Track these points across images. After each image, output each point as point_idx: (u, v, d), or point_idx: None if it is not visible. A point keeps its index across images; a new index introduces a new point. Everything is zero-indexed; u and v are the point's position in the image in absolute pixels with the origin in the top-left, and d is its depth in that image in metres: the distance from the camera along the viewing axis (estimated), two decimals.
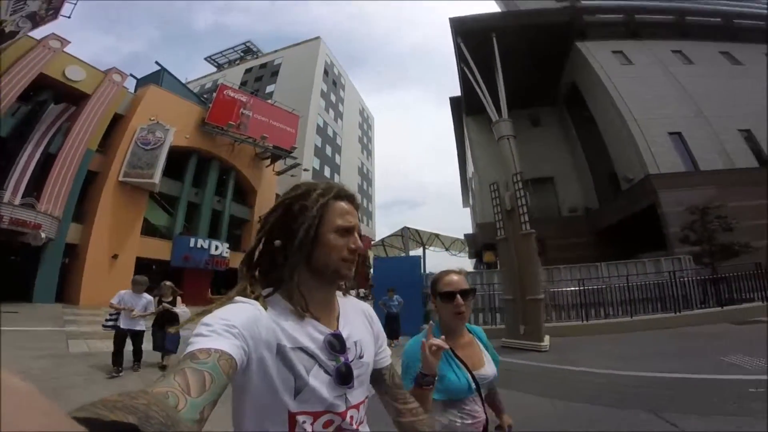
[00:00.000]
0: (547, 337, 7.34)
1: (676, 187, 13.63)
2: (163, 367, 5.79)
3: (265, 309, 0.75)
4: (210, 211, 21.44)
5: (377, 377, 0.94)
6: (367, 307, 1.01)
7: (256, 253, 0.83)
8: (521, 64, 19.78)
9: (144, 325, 5.81)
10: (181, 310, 5.93)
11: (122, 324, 5.50)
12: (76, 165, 15.77)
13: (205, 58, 43.18)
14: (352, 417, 0.79)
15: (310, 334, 0.78)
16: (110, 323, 5.63)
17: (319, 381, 0.75)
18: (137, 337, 5.69)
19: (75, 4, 14.89)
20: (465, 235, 24.04)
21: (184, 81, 43.89)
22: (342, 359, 0.80)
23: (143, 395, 0.39)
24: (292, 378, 0.72)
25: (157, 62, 24.01)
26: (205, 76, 42.86)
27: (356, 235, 0.85)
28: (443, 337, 1.18)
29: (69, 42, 16.53)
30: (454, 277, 1.38)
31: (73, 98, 16.65)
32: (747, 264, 9.50)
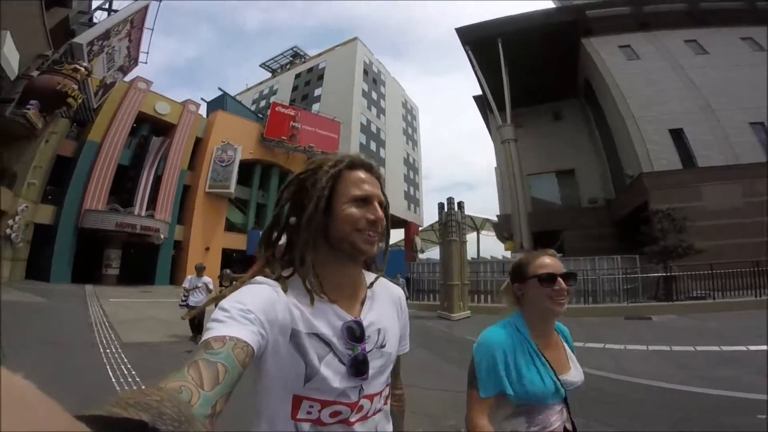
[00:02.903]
0: (466, 313, 10.64)
1: (665, 186, 14.74)
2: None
3: (288, 290, 0.74)
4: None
5: None
6: (399, 292, 0.96)
7: (274, 232, 0.82)
8: (535, 62, 21.33)
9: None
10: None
11: (190, 302, 6.93)
12: (175, 182, 21.28)
13: (260, 65, 48.58)
14: (362, 407, 0.76)
15: (328, 320, 0.75)
16: (184, 302, 7.09)
17: (331, 370, 0.72)
18: (201, 313, 7.59)
19: (147, 53, 19.91)
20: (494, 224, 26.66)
21: (245, 86, 50.24)
22: (359, 348, 0.76)
23: (156, 391, 0.41)
24: (303, 365, 0.71)
25: (220, 88, 29.30)
26: (262, 82, 48.49)
27: (376, 204, 0.80)
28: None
29: (152, 82, 21.60)
30: (548, 260, 1.18)
31: (164, 128, 21.92)
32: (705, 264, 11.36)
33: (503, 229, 22.91)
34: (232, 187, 22.39)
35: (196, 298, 6.89)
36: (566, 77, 22.34)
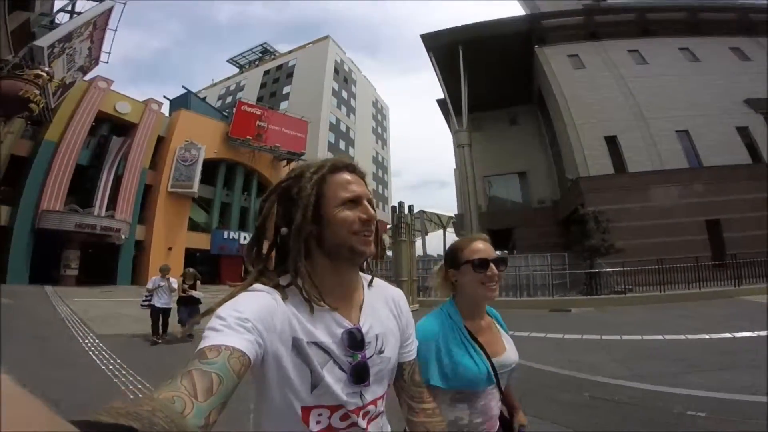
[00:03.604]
0: (414, 306, 11.95)
1: (598, 190, 16.37)
2: (189, 336, 6.97)
3: (284, 299, 0.74)
4: (239, 208, 27.11)
5: (396, 371, 0.90)
6: (397, 294, 0.96)
7: (261, 243, 0.82)
8: (494, 69, 22.86)
9: (170, 304, 7.04)
10: (197, 293, 7.33)
11: (155, 303, 6.96)
12: (136, 182, 21.57)
13: (228, 60, 48.60)
14: (367, 413, 0.78)
15: (327, 328, 0.76)
16: (146, 303, 7.11)
17: (333, 378, 0.73)
18: (165, 313, 7.02)
19: (109, 53, 20.06)
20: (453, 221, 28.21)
21: (211, 82, 49.96)
22: (360, 356, 0.77)
23: (149, 401, 0.41)
24: (309, 372, 0.72)
25: (183, 86, 29.58)
26: (229, 78, 48.39)
27: (366, 203, 0.81)
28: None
29: (113, 81, 21.75)
30: (481, 245, 1.21)
31: (125, 127, 22.15)
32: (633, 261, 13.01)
33: (459, 227, 24.43)
34: (196, 187, 22.87)
35: (161, 299, 6.98)
36: (522, 84, 23.98)
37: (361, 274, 0.90)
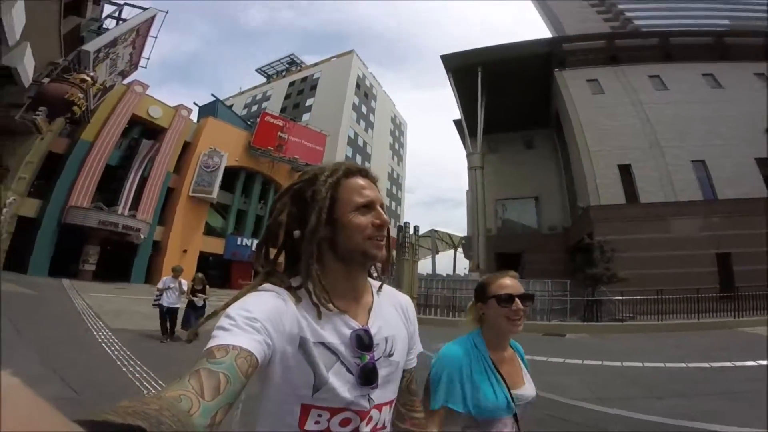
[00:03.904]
0: None
1: (608, 219, 16.39)
2: (190, 341, 9.30)
3: (296, 300, 0.76)
4: (255, 216, 28.06)
5: None
6: (405, 300, 0.99)
7: (271, 244, 0.83)
8: (512, 91, 23.29)
9: (178, 303, 7.31)
10: (197, 299, 7.53)
11: (164, 302, 7.18)
12: (160, 184, 22.78)
13: (256, 70, 50.87)
14: (372, 418, 0.78)
15: (336, 329, 0.77)
16: (157, 301, 7.31)
17: (340, 379, 0.74)
18: (173, 313, 7.30)
19: (148, 59, 21.43)
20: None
21: (239, 90, 52.02)
22: (368, 357, 0.78)
23: (156, 400, 0.42)
24: (312, 374, 0.72)
25: (212, 94, 31.12)
26: (256, 87, 50.49)
27: (379, 208, 0.83)
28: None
29: (148, 86, 23.17)
30: (509, 281, 1.32)
31: (155, 131, 23.49)
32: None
33: (468, 249, 24.57)
34: (215, 193, 23.96)
35: (169, 299, 7.20)
36: (539, 108, 24.31)
37: (370, 280, 0.92)
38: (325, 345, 0.75)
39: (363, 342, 0.79)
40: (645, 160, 18.12)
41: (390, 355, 0.84)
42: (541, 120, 24.91)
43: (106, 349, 6.17)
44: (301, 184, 0.85)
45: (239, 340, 0.62)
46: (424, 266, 35.54)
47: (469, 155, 23.00)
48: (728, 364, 6.33)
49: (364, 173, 0.87)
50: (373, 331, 0.82)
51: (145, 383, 4.56)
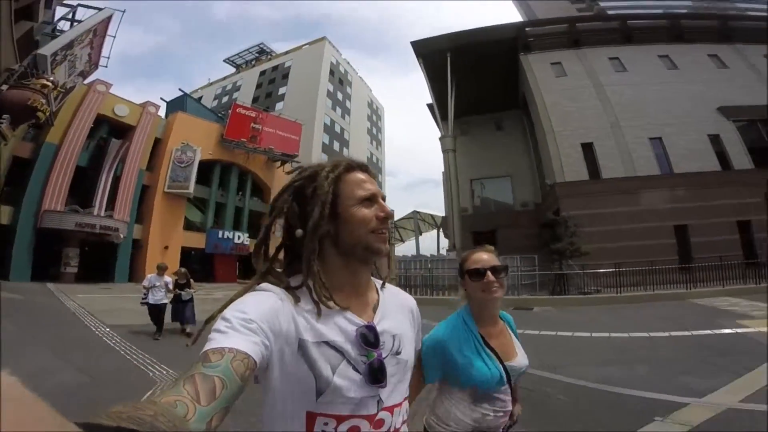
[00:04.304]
0: None
1: (573, 195, 17.54)
2: (185, 333, 7.41)
3: (294, 300, 0.75)
4: (234, 208, 28.34)
5: None
6: (411, 300, 1.00)
7: (269, 242, 0.84)
8: (481, 75, 23.97)
9: (164, 299, 7.49)
10: (184, 292, 7.68)
11: (150, 300, 7.35)
12: (133, 182, 22.77)
13: (224, 60, 49.85)
14: (382, 420, 0.77)
15: (340, 326, 0.77)
16: (145, 299, 7.47)
17: (346, 379, 0.73)
18: (161, 309, 7.48)
19: (108, 57, 21.11)
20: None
21: (207, 81, 50.91)
22: (375, 354, 0.77)
23: (151, 406, 0.42)
24: (313, 377, 0.71)
25: (180, 89, 30.70)
26: (226, 77, 49.54)
27: (381, 201, 0.84)
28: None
29: (111, 84, 22.78)
30: (484, 255, 1.38)
31: (123, 130, 23.29)
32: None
33: (444, 228, 25.62)
34: (191, 188, 24.13)
35: (156, 296, 7.36)
36: (507, 91, 25.08)
37: (373, 278, 0.92)
38: (328, 344, 0.74)
39: (368, 339, 0.78)
40: (606, 139, 19.22)
41: (398, 353, 0.83)
42: (509, 102, 25.72)
43: (108, 342, 6.84)
44: (301, 182, 0.85)
45: (235, 342, 0.62)
46: (409, 247, 36.85)
47: (441, 138, 23.71)
48: (664, 334, 7.01)
49: (365, 168, 0.89)
50: (379, 328, 0.81)
51: (150, 368, 5.25)
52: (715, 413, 3.53)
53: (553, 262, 14.82)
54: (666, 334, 7.07)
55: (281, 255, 0.87)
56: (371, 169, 0.90)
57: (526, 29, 24.04)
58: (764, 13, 23.55)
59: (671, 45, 21.98)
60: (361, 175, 0.86)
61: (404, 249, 37.91)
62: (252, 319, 0.67)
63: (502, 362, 1.32)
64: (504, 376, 1.30)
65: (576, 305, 12.36)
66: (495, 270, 1.35)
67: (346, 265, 0.83)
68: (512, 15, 48.83)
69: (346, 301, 0.81)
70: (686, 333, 7.05)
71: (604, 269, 13.95)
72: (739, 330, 7.10)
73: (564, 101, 20.40)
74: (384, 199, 0.86)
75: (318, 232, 0.78)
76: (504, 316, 1.49)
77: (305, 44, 43.79)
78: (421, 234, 34.80)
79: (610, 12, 24.67)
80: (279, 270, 0.84)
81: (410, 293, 1.07)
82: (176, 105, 27.68)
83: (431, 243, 42.85)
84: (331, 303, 0.77)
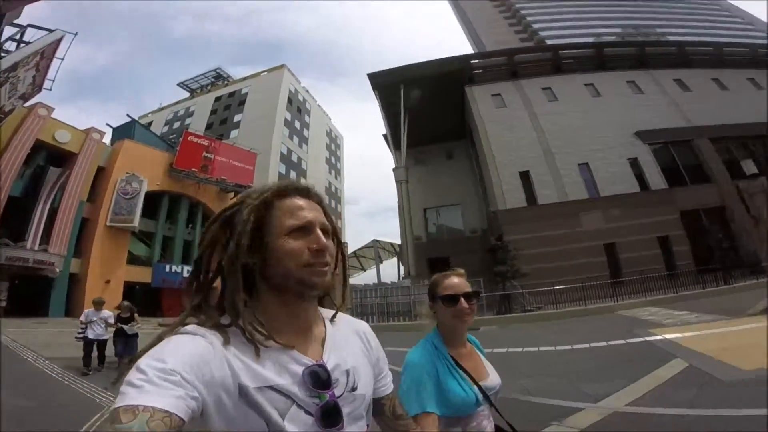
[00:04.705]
0: None
1: (514, 221, 18.97)
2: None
3: (226, 341, 0.67)
4: (182, 241, 27.65)
5: (376, 407, 0.89)
6: (363, 327, 0.94)
7: (201, 278, 0.76)
8: (431, 106, 25.60)
9: (105, 335, 7.42)
10: (128, 326, 7.45)
11: (89, 335, 7.24)
12: (73, 214, 21.90)
13: (178, 84, 49.12)
14: None
15: (284, 368, 0.70)
16: (80, 335, 7.31)
17: (298, 425, 0.67)
18: (100, 344, 7.39)
19: (53, 80, 20.56)
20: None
21: (159, 106, 50.14)
22: (327, 396, 0.72)
23: None
24: (264, 423, 0.64)
25: (128, 115, 30.23)
26: (179, 102, 48.91)
27: (318, 231, 0.75)
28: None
29: (53, 108, 22.04)
30: (455, 280, 1.39)
31: (64, 157, 22.44)
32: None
33: (400, 256, 26.44)
34: (136, 221, 23.44)
35: (97, 331, 7.26)
36: (455, 121, 26.85)
37: (321, 309, 0.86)
38: (273, 388, 0.67)
39: (320, 378, 0.72)
40: (540, 166, 21.02)
41: (353, 389, 0.77)
42: (459, 132, 27.52)
43: (50, 373, 6.85)
44: (230, 210, 0.78)
45: (151, 399, 0.53)
46: (371, 276, 37.21)
47: (395, 170, 24.85)
48: (586, 345, 7.61)
49: (304, 192, 0.81)
50: (330, 366, 0.75)
51: (96, 395, 5.47)
52: (602, 417, 3.96)
53: (497, 284, 15.89)
54: (587, 345, 7.66)
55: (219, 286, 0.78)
56: (314, 192, 0.83)
57: (471, 62, 26.11)
58: (676, 38, 27.00)
59: (595, 73, 24.59)
60: (298, 201, 0.78)
61: (365, 278, 38.32)
62: (173, 370, 0.58)
63: (476, 383, 1.32)
64: (480, 397, 1.31)
65: (519, 322, 13.35)
66: (467, 296, 1.37)
67: (283, 300, 0.76)
68: (466, 47, 52.34)
69: (289, 338, 0.74)
70: (604, 344, 7.63)
71: (544, 287, 15.22)
72: (648, 338, 7.67)
73: (503, 131, 22.18)
74: (326, 229, 0.78)
75: (235, 265, 0.72)
76: (470, 339, 1.52)
77: (264, 71, 44.44)
78: (381, 262, 35.40)
79: (548, 42, 27.35)
80: (212, 306, 0.75)
81: (366, 321, 1.06)
82: (123, 131, 27.04)
83: (392, 270, 43.41)
84: (270, 342, 0.71)
